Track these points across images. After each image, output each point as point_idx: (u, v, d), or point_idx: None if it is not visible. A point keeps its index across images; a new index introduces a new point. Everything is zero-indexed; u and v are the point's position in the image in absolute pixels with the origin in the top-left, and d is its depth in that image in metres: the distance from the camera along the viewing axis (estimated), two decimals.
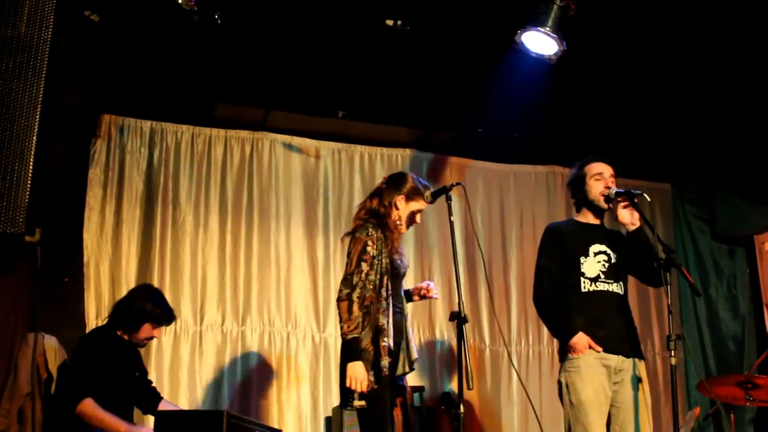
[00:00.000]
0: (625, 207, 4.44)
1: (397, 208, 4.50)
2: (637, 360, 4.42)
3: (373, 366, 4.20)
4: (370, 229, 4.36)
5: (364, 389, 4.15)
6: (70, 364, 4.59)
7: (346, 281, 4.27)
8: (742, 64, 5.77)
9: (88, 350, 4.57)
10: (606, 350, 4.37)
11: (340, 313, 4.22)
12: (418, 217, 4.59)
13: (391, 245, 4.40)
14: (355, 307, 4.21)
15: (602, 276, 4.49)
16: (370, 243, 4.31)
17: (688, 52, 5.68)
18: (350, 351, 4.16)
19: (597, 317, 4.44)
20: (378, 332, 4.22)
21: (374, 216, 4.46)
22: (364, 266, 4.27)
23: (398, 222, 4.49)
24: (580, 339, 4.37)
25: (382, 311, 4.26)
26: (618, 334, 4.42)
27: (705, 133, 6.82)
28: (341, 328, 4.20)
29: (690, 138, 6.92)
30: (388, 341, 4.24)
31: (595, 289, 4.48)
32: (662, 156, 7.28)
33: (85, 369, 4.45)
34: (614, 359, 4.37)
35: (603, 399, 4.32)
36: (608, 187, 4.55)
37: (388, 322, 4.27)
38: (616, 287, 4.51)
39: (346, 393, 4.19)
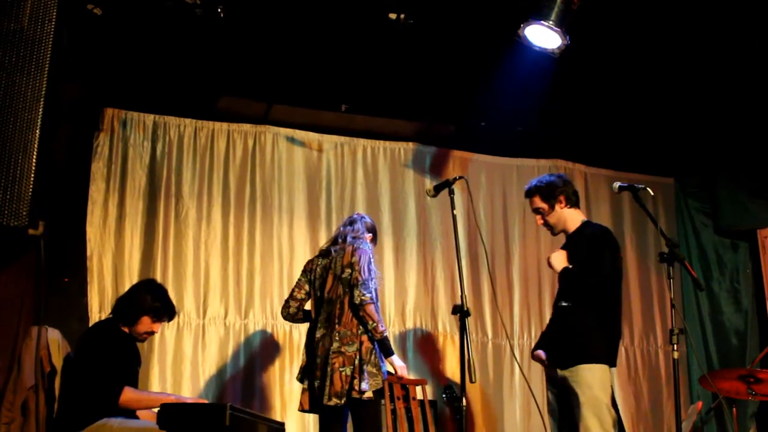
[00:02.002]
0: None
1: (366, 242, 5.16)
2: (573, 368, 4.44)
3: (380, 366, 4.87)
4: (370, 244, 5.07)
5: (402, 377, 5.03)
6: (80, 359, 4.60)
7: (366, 286, 4.81)
8: (745, 59, 5.76)
9: (98, 342, 4.61)
10: (549, 364, 4.70)
11: (369, 316, 4.78)
12: (382, 252, 5.55)
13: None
14: (378, 306, 4.83)
15: (559, 293, 4.74)
16: (371, 255, 4.95)
17: (691, 46, 5.68)
18: (389, 347, 4.90)
19: (549, 335, 4.82)
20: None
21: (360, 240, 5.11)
22: (373, 274, 4.86)
23: None
24: (534, 356, 4.85)
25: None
26: (554, 348, 4.67)
27: (708, 127, 6.82)
28: (374, 329, 4.79)
29: (693, 132, 6.92)
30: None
31: (555, 307, 4.76)
32: (665, 150, 7.28)
33: (104, 360, 4.49)
34: (554, 371, 4.61)
35: (552, 405, 4.66)
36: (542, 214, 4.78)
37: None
38: (563, 302, 4.67)
39: (350, 386, 4.73)
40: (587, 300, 4.53)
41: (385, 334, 4.82)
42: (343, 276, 4.92)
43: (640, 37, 5.59)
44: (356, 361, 4.76)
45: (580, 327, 4.54)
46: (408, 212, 6.81)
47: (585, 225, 4.72)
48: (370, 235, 5.23)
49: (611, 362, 4.48)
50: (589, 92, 6.36)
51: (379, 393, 4.90)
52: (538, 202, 4.73)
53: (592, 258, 4.47)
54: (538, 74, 5.68)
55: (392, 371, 5.13)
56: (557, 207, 4.69)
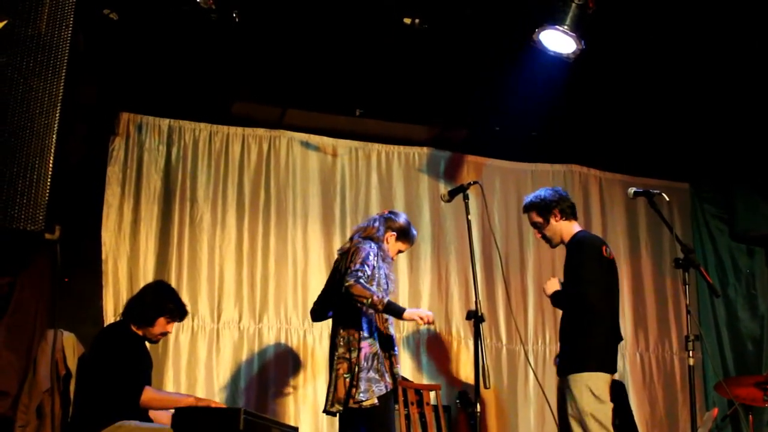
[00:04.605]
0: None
1: (387, 242, 5.00)
2: (569, 376, 4.54)
3: (384, 372, 4.71)
4: (373, 244, 4.85)
5: (432, 320, 4.76)
6: (95, 361, 4.62)
7: (351, 274, 4.64)
8: (762, 63, 5.73)
9: (112, 344, 4.64)
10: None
11: (360, 296, 4.56)
12: (397, 256, 5.17)
13: (387, 267, 4.92)
14: (366, 284, 4.60)
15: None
16: (372, 254, 4.77)
17: (706, 51, 5.65)
18: (396, 309, 4.68)
19: None
20: (391, 341, 4.80)
21: (372, 239, 4.92)
22: (367, 270, 4.66)
23: (388, 252, 4.99)
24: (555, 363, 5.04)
25: (390, 322, 4.82)
26: (559, 358, 4.81)
27: (724, 132, 6.79)
28: (372, 305, 4.58)
29: (709, 137, 6.88)
30: (398, 349, 4.86)
31: None
32: (680, 155, 7.24)
33: (121, 362, 4.52)
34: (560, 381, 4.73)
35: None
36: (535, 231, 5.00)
37: (393, 333, 4.85)
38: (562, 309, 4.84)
39: (348, 394, 4.63)
40: (572, 310, 4.69)
41: (386, 301, 4.59)
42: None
43: (654, 42, 5.57)
44: (355, 369, 4.66)
45: (569, 337, 4.67)
46: (422, 217, 6.80)
47: (574, 236, 4.87)
48: (394, 233, 5.02)
49: (603, 368, 4.53)
50: (603, 97, 6.34)
51: (386, 397, 4.70)
52: (535, 217, 4.92)
53: (572, 268, 4.72)
54: (552, 79, 5.67)
55: (403, 377, 5.08)
56: (552, 221, 4.86)
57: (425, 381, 6.35)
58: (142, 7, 5.21)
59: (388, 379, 4.71)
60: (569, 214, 4.87)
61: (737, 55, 5.69)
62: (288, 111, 6.45)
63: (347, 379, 4.67)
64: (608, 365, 4.55)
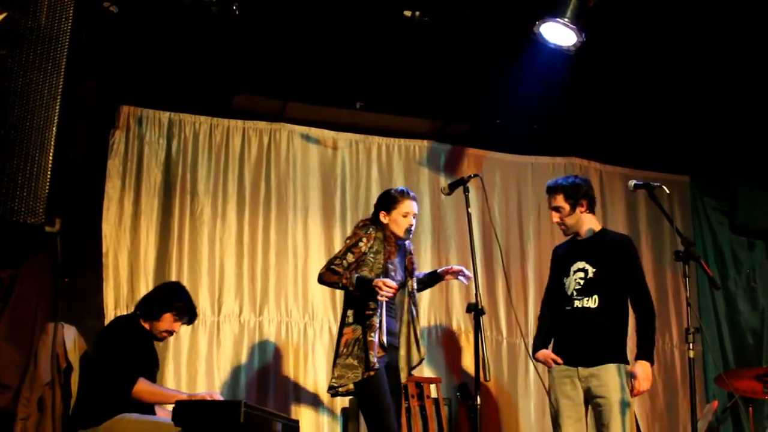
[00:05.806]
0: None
1: (388, 223, 4.83)
2: (605, 366, 4.58)
3: (364, 359, 4.51)
4: (371, 229, 4.72)
5: (392, 287, 4.44)
6: (97, 353, 4.65)
7: (326, 264, 4.63)
8: (762, 57, 5.73)
9: (116, 336, 4.67)
10: (566, 362, 4.71)
11: (330, 283, 4.59)
12: (410, 218, 4.87)
13: (389, 252, 4.73)
14: (334, 270, 4.55)
15: (575, 294, 4.75)
16: (364, 240, 4.66)
17: (707, 43, 5.65)
18: (364, 281, 4.50)
19: (566, 334, 4.79)
20: (368, 327, 4.55)
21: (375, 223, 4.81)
22: (350, 257, 4.60)
23: (392, 231, 4.80)
24: (540, 356, 4.87)
25: (374, 308, 4.58)
26: (579, 347, 4.68)
27: (724, 124, 6.78)
28: (342, 286, 4.54)
29: (709, 130, 6.88)
30: (377, 336, 4.53)
31: (569, 307, 4.76)
32: (681, 148, 7.24)
33: (120, 353, 4.54)
34: (574, 370, 4.67)
35: (569, 404, 4.65)
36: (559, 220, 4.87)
37: (380, 321, 4.56)
38: (587, 302, 4.71)
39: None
40: (622, 302, 4.73)
41: (354, 280, 4.50)
42: None
43: (655, 35, 5.57)
44: (335, 355, 4.64)
45: (615, 327, 4.70)
46: (423, 210, 6.78)
47: (605, 232, 4.94)
48: (383, 211, 4.86)
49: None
50: (604, 89, 6.34)
51: (365, 384, 4.52)
52: (561, 201, 4.81)
53: (631, 263, 4.76)
54: (553, 72, 5.67)
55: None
56: (578, 210, 4.81)
57: (426, 374, 6.36)
58: (143, 0, 5.20)
59: (365, 367, 4.53)
60: (592, 208, 4.86)
61: (737, 48, 5.68)
62: (288, 104, 6.45)
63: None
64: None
